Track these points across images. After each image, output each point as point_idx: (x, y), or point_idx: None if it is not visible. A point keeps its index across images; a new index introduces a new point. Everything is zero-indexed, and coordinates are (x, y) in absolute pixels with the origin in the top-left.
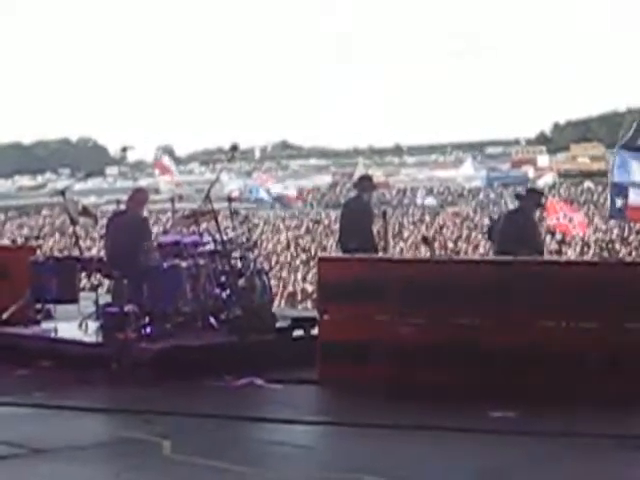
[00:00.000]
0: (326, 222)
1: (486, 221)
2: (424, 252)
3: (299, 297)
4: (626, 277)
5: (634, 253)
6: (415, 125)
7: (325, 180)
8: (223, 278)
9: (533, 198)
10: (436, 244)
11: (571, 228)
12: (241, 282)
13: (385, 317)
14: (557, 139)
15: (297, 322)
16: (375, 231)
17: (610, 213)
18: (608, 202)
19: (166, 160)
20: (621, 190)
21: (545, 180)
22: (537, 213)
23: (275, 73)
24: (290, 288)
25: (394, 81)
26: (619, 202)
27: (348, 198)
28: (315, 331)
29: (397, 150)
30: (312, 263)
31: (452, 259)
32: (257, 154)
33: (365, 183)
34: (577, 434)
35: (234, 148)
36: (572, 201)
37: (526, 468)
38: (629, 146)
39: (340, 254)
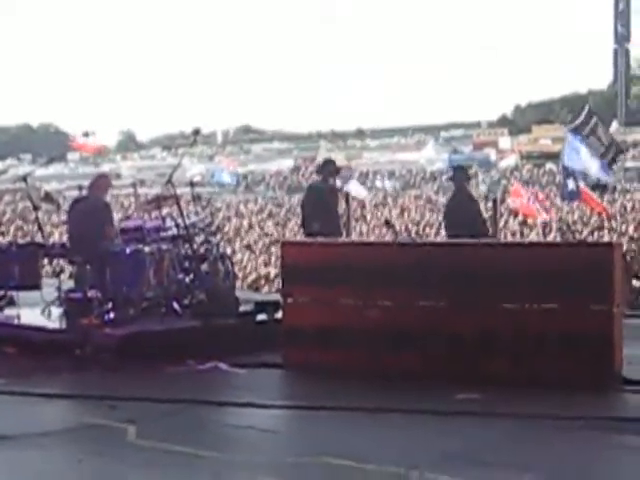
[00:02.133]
0: (288, 206)
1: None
2: (386, 235)
3: (262, 281)
4: (588, 258)
5: (595, 234)
6: (377, 109)
7: (287, 164)
8: (186, 263)
9: (460, 177)
10: (398, 227)
11: (537, 213)
12: (204, 267)
13: (350, 301)
14: (519, 121)
15: (260, 306)
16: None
17: (563, 195)
18: (560, 185)
19: (80, 138)
20: (571, 173)
21: (507, 162)
22: (470, 189)
23: (236, 57)
24: (253, 272)
25: (355, 65)
26: (571, 184)
27: (313, 181)
28: (279, 315)
29: (359, 133)
30: (275, 247)
31: (416, 242)
32: (219, 138)
33: (331, 167)
34: (543, 416)
35: (196, 132)
36: (533, 183)
37: (491, 450)
38: (578, 131)
39: (304, 238)
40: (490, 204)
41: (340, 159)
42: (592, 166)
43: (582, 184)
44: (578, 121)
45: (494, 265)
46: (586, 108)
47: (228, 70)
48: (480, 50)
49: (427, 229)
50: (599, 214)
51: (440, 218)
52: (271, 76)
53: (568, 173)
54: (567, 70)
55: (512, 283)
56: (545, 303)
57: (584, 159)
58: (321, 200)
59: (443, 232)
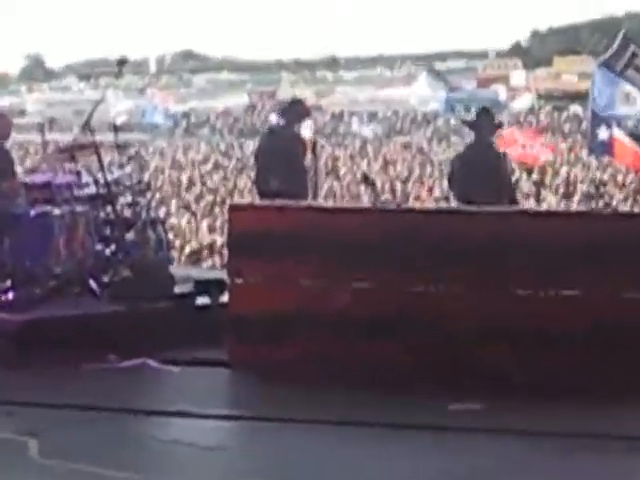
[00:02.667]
0: (238, 154)
1: (443, 156)
2: (365, 196)
3: (204, 253)
4: (621, 233)
5: (630, 200)
6: (355, 31)
7: (239, 101)
8: (107, 230)
9: (485, 124)
10: (380, 185)
11: (538, 155)
12: (130, 235)
13: (315, 282)
14: (536, 51)
15: (201, 286)
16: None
17: (591, 147)
18: (586, 130)
19: None
20: (602, 120)
21: (521, 102)
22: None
23: None
24: (193, 242)
25: None
26: (602, 133)
27: (272, 126)
28: (225, 298)
29: (331, 63)
30: (222, 209)
31: (401, 207)
32: (152, 67)
33: (298, 109)
34: (566, 434)
35: (122, 62)
36: (549, 130)
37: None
38: (611, 64)
39: (258, 199)
40: None
41: (307, 95)
42: (631, 109)
43: (616, 132)
44: (611, 51)
45: (500, 240)
46: (620, 34)
47: None
48: None
49: (417, 187)
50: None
51: (437, 173)
52: None
53: (598, 119)
54: None
55: (524, 263)
56: (566, 289)
57: (619, 100)
58: (283, 150)
59: (437, 192)
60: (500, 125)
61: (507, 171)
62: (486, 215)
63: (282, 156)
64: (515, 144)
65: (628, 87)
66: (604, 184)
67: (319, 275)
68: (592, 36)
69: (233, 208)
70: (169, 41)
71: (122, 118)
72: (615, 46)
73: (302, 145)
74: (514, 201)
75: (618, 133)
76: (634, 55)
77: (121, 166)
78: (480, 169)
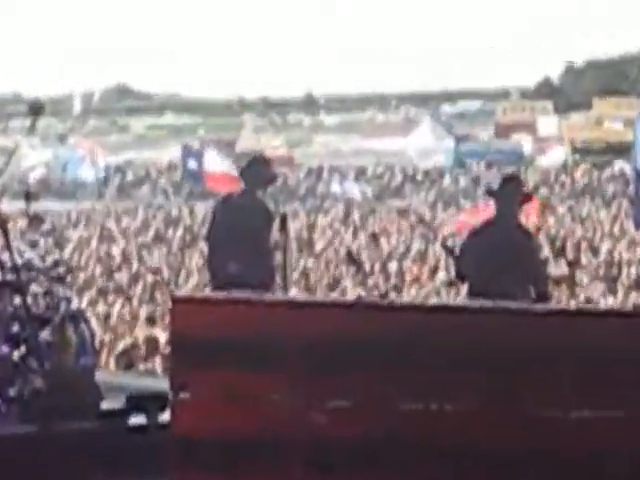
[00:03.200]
0: (188, 222)
1: (450, 226)
2: (349, 280)
3: (142, 352)
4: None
5: None
6: (339, 63)
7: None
8: (15, 327)
9: (513, 191)
10: (368, 265)
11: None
12: (45, 334)
13: (284, 397)
14: (571, 90)
15: (136, 401)
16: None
17: (637, 217)
18: (632, 196)
19: None
20: None
21: (552, 157)
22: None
23: None
24: (127, 338)
25: None
26: None
27: (230, 194)
28: (166, 417)
29: (308, 104)
30: (165, 294)
31: (391, 303)
32: (77, 106)
33: (259, 169)
34: None
35: (37, 109)
36: (591, 193)
37: None
38: None
39: (210, 289)
40: None
41: (276, 145)
42: None
43: None
44: None
45: (522, 345)
46: None
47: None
48: None
49: (416, 268)
50: None
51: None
52: (163, 10)
53: None
54: None
55: (556, 376)
56: (606, 409)
57: None
58: (243, 224)
59: (443, 275)
60: (529, 196)
61: (538, 256)
62: (506, 314)
63: (241, 233)
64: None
65: None
66: None
67: (287, 389)
68: None
69: (177, 301)
70: (99, 73)
71: (37, 173)
72: None
73: (267, 218)
74: (545, 295)
75: None
76: None
77: (34, 244)
78: (503, 251)
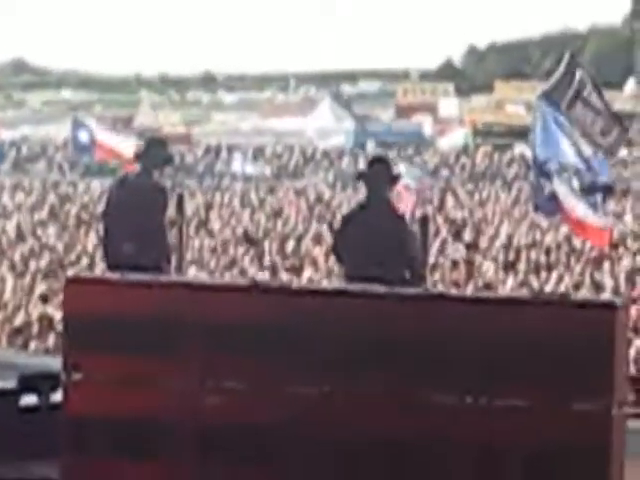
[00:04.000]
0: (86, 199)
1: (349, 206)
2: (246, 259)
3: (35, 329)
4: (573, 328)
5: (587, 269)
6: (237, 43)
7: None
8: None
9: (378, 175)
10: (267, 245)
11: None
12: None
13: (178, 381)
14: (473, 72)
15: (28, 381)
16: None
17: (537, 203)
18: (532, 180)
19: None
20: (545, 170)
21: (451, 139)
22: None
23: None
24: (20, 316)
25: None
26: (549, 187)
27: (126, 175)
28: (58, 397)
29: (207, 81)
30: (61, 272)
31: (289, 287)
32: None
33: (156, 150)
34: None
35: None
36: (491, 176)
37: None
38: (552, 97)
39: (105, 269)
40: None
41: (174, 123)
42: (576, 156)
43: (563, 188)
44: (553, 79)
45: (419, 330)
46: (566, 56)
47: None
48: None
49: (314, 248)
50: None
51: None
52: None
53: (542, 167)
54: None
55: (451, 362)
56: (505, 397)
57: (564, 143)
58: (137, 205)
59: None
60: (397, 177)
61: (410, 238)
62: (396, 298)
63: (136, 213)
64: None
65: (571, 130)
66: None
67: (181, 373)
68: (545, 56)
69: (70, 281)
70: None
71: None
72: (560, 72)
73: (162, 198)
74: (419, 278)
75: (560, 188)
76: (581, 84)
77: None
78: (374, 235)
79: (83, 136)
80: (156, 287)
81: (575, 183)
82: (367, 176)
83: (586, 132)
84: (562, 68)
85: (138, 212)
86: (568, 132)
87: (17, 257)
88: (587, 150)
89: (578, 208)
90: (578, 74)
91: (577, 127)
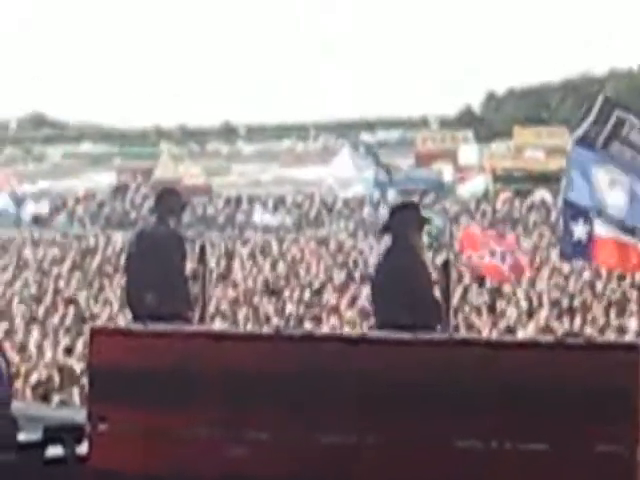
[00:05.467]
0: (109, 252)
1: (372, 256)
2: (268, 309)
3: (56, 382)
4: (597, 369)
5: (613, 314)
6: (256, 94)
7: (105, 180)
8: None
9: (408, 219)
10: (287, 294)
11: (505, 270)
12: None
13: (202, 430)
14: (492, 118)
15: (53, 433)
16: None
17: (563, 249)
18: (560, 231)
19: None
20: (580, 214)
21: (471, 186)
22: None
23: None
24: (43, 368)
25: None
26: (578, 231)
27: (144, 226)
28: (83, 449)
29: (226, 132)
30: (82, 324)
31: (311, 334)
32: None
33: (169, 200)
34: None
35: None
36: (512, 222)
37: None
38: (589, 139)
39: (128, 322)
40: (437, 261)
41: (195, 174)
42: (617, 196)
43: (600, 229)
44: (587, 123)
45: (444, 377)
46: (600, 98)
47: (10, 31)
48: (433, 6)
49: (335, 298)
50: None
51: (358, 276)
52: (78, 36)
53: (573, 210)
54: (576, 37)
55: (474, 408)
56: (527, 442)
57: (600, 187)
58: (156, 255)
59: (368, 308)
60: (425, 222)
61: (430, 283)
62: (419, 344)
63: (156, 263)
64: (477, 247)
65: (612, 167)
66: (580, 292)
67: (205, 424)
68: (564, 100)
69: (96, 332)
70: (14, 102)
71: None
72: (594, 114)
73: (179, 246)
74: (441, 323)
75: (601, 229)
76: (619, 123)
77: None
78: (396, 283)
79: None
80: (179, 337)
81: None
82: (390, 224)
83: (626, 168)
84: (596, 109)
85: (157, 262)
86: (604, 170)
87: (40, 312)
88: (623, 190)
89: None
90: (615, 114)
91: (615, 165)
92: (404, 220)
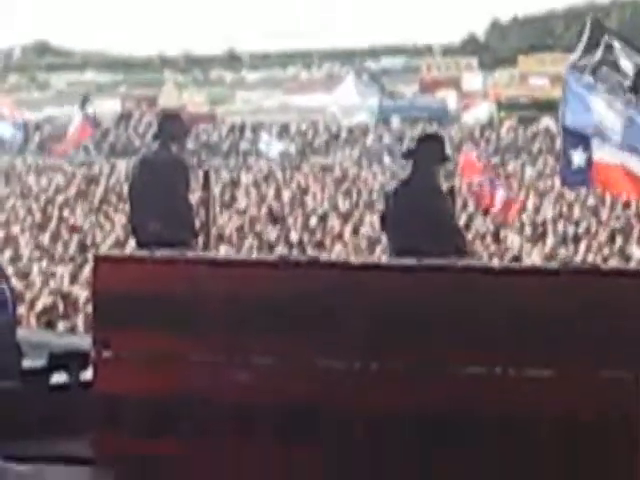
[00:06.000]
0: (113, 180)
1: (375, 182)
2: (272, 236)
3: (61, 309)
4: (607, 294)
5: (618, 240)
6: (260, 19)
7: (110, 108)
8: None
9: (432, 151)
10: (292, 221)
11: (495, 202)
12: None
13: (205, 355)
14: (496, 46)
15: (58, 359)
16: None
17: (564, 176)
18: (560, 158)
19: None
20: (579, 140)
21: (476, 113)
22: (441, 176)
23: None
24: (47, 296)
25: None
26: (578, 158)
27: (146, 152)
28: (89, 375)
29: (230, 59)
30: (88, 255)
31: (317, 261)
32: None
33: (172, 126)
34: None
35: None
36: (516, 150)
37: None
38: (580, 65)
39: (133, 247)
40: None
41: (198, 102)
42: (614, 123)
43: (599, 153)
44: (579, 48)
45: (448, 302)
46: (587, 24)
47: None
48: None
49: (340, 224)
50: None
51: (365, 205)
52: None
53: (572, 137)
54: None
55: (483, 334)
56: (534, 367)
57: (598, 112)
58: (159, 181)
59: (367, 229)
60: (447, 158)
61: (452, 213)
62: (429, 271)
63: (159, 190)
64: (474, 173)
65: (604, 92)
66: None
67: (210, 347)
68: (568, 28)
69: (100, 260)
70: (18, 30)
71: None
72: (585, 39)
73: (183, 172)
74: (463, 251)
75: (601, 154)
76: (608, 48)
77: None
78: (417, 210)
79: None
80: (184, 264)
81: (617, 140)
82: (414, 153)
83: (616, 93)
84: (586, 35)
85: (161, 189)
86: (598, 97)
87: (44, 237)
88: (620, 107)
89: (630, 161)
90: (604, 38)
91: (607, 89)
92: (428, 151)
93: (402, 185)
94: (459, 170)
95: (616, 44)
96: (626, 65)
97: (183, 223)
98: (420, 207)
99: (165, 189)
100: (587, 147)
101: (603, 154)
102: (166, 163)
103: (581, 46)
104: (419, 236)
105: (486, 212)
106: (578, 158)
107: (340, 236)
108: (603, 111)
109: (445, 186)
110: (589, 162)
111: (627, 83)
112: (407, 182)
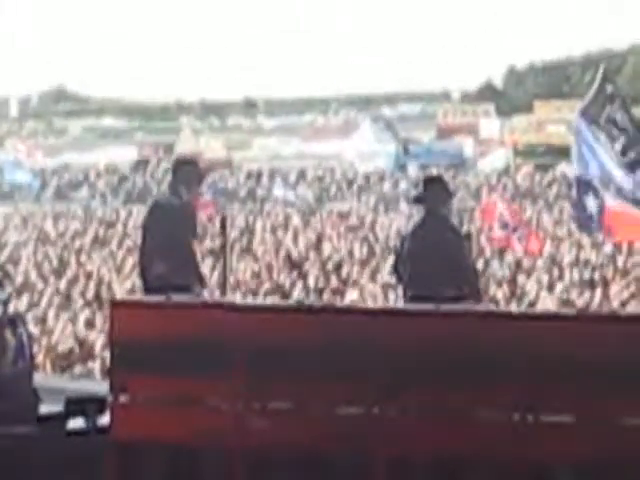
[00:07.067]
0: (130, 225)
1: (392, 229)
2: (288, 283)
3: (77, 354)
4: (624, 341)
5: (633, 287)
6: (278, 66)
7: (127, 155)
8: None
9: (439, 192)
10: (308, 268)
11: (515, 242)
12: None
13: (222, 401)
14: (513, 93)
15: (75, 405)
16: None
17: (579, 221)
18: (575, 204)
19: None
20: (590, 188)
21: (493, 160)
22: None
23: None
24: (64, 342)
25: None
26: (591, 203)
27: (160, 196)
28: (105, 420)
29: (248, 107)
30: (104, 300)
31: (333, 307)
32: (14, 109)
33: (183, 170)
34: None
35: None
36: (533, 196)
37: None
38: (588, 113)
39: (147, 294)
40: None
41: (215, 148)
42: (616, 168)
43: (611, 200)
44: (589, 96)
45: (466, 347)
46: (600, 71)
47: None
48: None
49: (356, 271)
50: None
51: (382, 252)
52: (101, 12)
53: (584, 186)
54: (595, 13)
55: (497, 378)
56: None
57: (607, 161)
58: (169, 226)
59: (383, 276)
60: (452, 194)
61: (468, 254)
62: (447, 317)
63: (165, 234)
64: (493, 218)
65: (609, 141)
66: (602, 266)
67: (227, 393)
68: (584, 75)
69: (116, 305)
70: (36, 77)
71: None
72: (594, 88)
73: (190, 218)
74: (478, 293)
75: (612, 202)
76: (611, 98)
77: None
78: (433, 252)
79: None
80: (201, 309)
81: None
82: (423, 197)
83: (613, 142)
84: (596, 83)
85: (166, 232)
86: (602, 145)
87: (61, 283)
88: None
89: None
90: (609, 89)
91: (606, 140)
92: (435, 192)
93: (418, 227)
94: (480, 215)
95: (617, 97)
96: (623, 120)
97: (188, 267)
98: (438, 247)
99: (169, 234)
100: (597, 194)
101: (613, 202)
102: (173, 208)
103: (590, 95)
104: (435, 273)
105: (502, 257)
106: (591, 204)
107: (356, 282)
108: (606, 160)
109: (462, 229)
110: (601, 208)
111: (622, 137)
112: (422, 223)
